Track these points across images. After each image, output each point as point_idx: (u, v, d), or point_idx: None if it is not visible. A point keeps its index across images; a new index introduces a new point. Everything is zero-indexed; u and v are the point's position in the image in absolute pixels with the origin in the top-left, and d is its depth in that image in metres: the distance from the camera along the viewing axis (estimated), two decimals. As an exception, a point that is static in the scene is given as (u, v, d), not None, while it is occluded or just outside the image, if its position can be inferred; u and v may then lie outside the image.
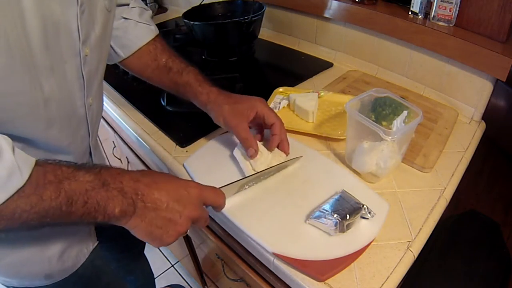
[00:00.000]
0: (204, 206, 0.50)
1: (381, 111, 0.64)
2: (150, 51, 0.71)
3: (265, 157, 0.63)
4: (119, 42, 0.69)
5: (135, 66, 0.72)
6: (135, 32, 0.69)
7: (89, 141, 0.61)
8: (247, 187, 0.61)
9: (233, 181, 0.58)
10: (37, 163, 0.38)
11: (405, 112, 0.60)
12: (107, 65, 0.64)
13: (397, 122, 0.59)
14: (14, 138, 0.42)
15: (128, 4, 0.69)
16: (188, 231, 0.48)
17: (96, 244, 0.71)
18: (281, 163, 0.64)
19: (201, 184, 0.49)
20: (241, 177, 0.61)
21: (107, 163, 0.64)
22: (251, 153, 0.62)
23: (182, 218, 0.45)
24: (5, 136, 0.37)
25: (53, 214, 0.38)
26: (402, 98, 0.64)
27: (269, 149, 0.65)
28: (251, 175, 0.60)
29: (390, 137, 0.55)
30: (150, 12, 0.74)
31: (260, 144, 0.64)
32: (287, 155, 0.66)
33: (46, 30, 0.41)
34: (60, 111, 0.48)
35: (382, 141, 0.58)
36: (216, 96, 0.67)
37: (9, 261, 0.56)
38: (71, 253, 0.63)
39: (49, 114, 0.46)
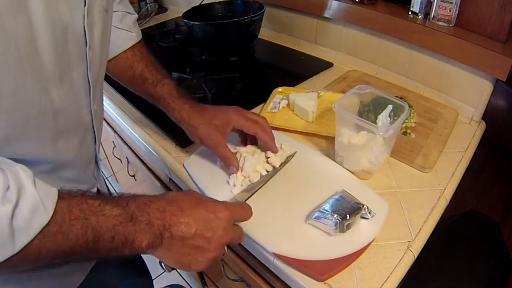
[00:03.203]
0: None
1: (381, 111, 0.64)
2: (128, 58, 0.69)
3: (254, 164, 0.63)
4: None
5: (113, 72, 0.70)
6: (113, 39, 0.64)
7: (95, 148, 0.59)
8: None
9: (251, 190, 0.59)
10: (60, 196, 0.36)
11: (390, 106, 0.60)
12: None
13: (382, 117, 0.59)
14: (19, 156, 0.40)
15: None
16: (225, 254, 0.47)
17: None
18: (281, 164, 0.64)
19: (229, 204, 0.47)
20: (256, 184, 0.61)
21: (107, 164, 0.63)
22: (231, 171, 0.62)
23: (212, 244, 0.44)
24: (23, 167, 0.35)
25: (80, 252, 0.36)
26: (401, 98, 0.64)
27: (273, 152, 0.64)
28: (263, 181, 0.61)
29: (381, 133, 0.56)
30: (135, 16, 0.71)
31: (246, 149, 0.65)
32: (275, 153, 0.65)
33: (56, 36, 0.39)
34: (68, 122, 0.46)
35: (372, 138, 0.58)
36: (188, 114, 0.64)
37: None
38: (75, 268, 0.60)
39: (58, 126, 0.44)
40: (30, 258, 0.34)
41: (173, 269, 0.46)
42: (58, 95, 0.42)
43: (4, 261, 0.32)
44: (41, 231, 0.33)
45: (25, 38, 0.35)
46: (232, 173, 0.62)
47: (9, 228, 0.31)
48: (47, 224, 0.33)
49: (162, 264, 0.46)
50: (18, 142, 0.40)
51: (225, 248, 0.46)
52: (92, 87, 0.50)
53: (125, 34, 0.68)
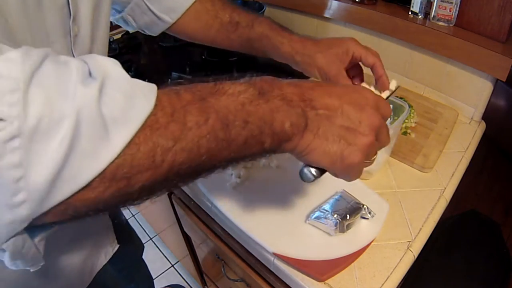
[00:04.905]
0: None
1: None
2: (209, 10, 0.61)
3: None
4: (162, 5, 0.59)
5: (193, 29, 0.62)
6: None
7: None
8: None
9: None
10: (160, 87, 0.27)
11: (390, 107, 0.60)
12: None
13: None
14: None
15: None
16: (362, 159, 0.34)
17: (116, 248, 0.64)
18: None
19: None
20: None
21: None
22: None
23: (364, 125, 0.33)
24: (109, 58, 0.26)
25: (208, 147, 0.26)
26: (401, 98, 0.64)
27: (383, 90, 0.56)
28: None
29: None
30: None
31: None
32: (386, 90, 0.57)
33: (26, 2, 0.34)
34: None
35: None
36: (302, 44, 0.57)
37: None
38: (88, 262, 0.59)
39: None
40: (144, 163, 0.23)
41: (322, 173, 0.35)
42: None
43: (103, 171, 0.22)
44: (145, 123, 0.23)
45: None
46: None
47: (98, 117, 0.21)
48: (152, 114, 0.24)
49: (305, 170, 0.35)
50: None
51: (376, 146, 0.35)
52: None
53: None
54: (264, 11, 1.08)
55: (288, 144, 0.31)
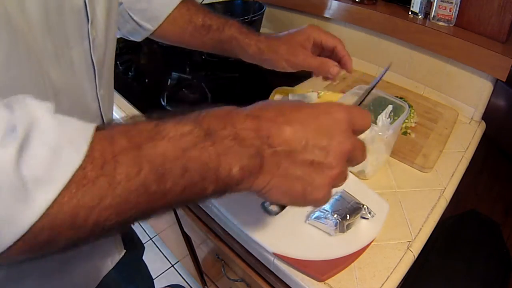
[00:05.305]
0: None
1: (381, 111, 0.64)
2: (184, 14, 0.66)
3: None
4: (145, 15, 0.63)
5: (170, 33, 0.67)
6: (160, 0, 0.63)
7: None
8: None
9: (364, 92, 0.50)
10: (98, 128, 0.24)
11: (390, 106, 0.60)
12: None
13: (382, 117, 0.59)
14: None
15: None
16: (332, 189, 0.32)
17: (123, 253, 0.64)
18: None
19: (346, 105, 0.33)
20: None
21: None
22: (335, 71, 0.59)
23: (331, 156, 0.30)
24: (41, 102, 0.24)
25: (138, 201, 0.24)
26: (401, 98, 0.64)
27: (349, 71, 0.61)
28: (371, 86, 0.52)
29: (381, 133, 0.56)
30: None
31: None
32: (351, 73, 0.63)
33: (47, 7, 0.34)
34: (71, 106, 0.41)
35: (372, 138, 0.58)
36: (267, 43, 0.62)
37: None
38: (95, 270, 0.59)
39: (60, 109, 0.41)
40: (65, 223, 0.22)
41: (282, 209, 0.33)
42: (56, 75, 0.37)
43: (23, 235, 0.21)
44: (72, 179, 0.21)
45: (15, 6, 0.30)
46: (336, 72, 0.58)
47: (17, 180, 0.20)
48: (80, 167, 0.22)
49: (266, 205, 0.33)
50: None
51: (347, 170, 0.32)
52: (98, 70, 0.45)
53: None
54: (264, 11, 1.08)
55: (238, 187, 0.29)
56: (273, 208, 0.32)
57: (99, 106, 0.48)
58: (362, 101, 0.47)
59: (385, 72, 0.56)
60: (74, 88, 0.42)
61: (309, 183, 0.30)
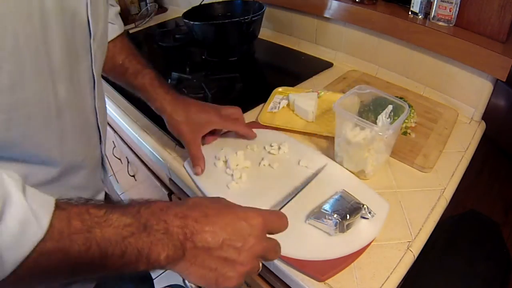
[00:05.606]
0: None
1: (381, 111, 0.64)
2: (109, 50, 0.65)
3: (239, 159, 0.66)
4: None
5: None
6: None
7: (101, 149, 0.56)
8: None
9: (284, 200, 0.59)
10: (58, 206, 0.31)
11: (390, 107, 0.60)
12: None
13: (382, 117, 0.59)
14: (27, 160, 0.38)
15: None
16: (260, 270, 0.40)
17: None
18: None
19: (262, 211, 0.40)
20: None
21: (106, 164, 0.63)
22: (196, 171, 0.65)
23: (242, 256, 0.37)
24: (11, 173, 0.29)
25: (85, 271, 0.31)
26: (401, 98, 0.64)
27: (250, 137, 0.71)
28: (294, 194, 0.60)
29: (381, 133, 0.56)
30: (117, 8, 0.69)
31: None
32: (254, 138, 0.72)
33: (65, 25, 0.36)
34: (73, 120, 0.43)
35: (372, 138, 0.58)
36: (172, 107, 0.65)
37: None
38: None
39: (63, 124, 0.41)
40: (23, 282, 0.29)
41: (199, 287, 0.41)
42: (66, 91, 0.40)
43: None
44: (34, 249, 0.28)
45: (28, 25, 0.33)
46: (195, 173, 0.65)
47: None
48: (42, 240, 0.28)
49: (186, 282, 0.40)
50: (24, 143, 0.38)
51: (260, 263, 0.40)
52: (97, 83, 0.47)
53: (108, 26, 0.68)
54: (264, 11, 1.08)
55: (164, 268, 0.35)
56: (192, 285, 0.41)
57: (96, 118, 0.51)
58: (288, 201, 0.57)
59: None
60: (78, 102, 0.44)
61: (222, 274, 0.36)
